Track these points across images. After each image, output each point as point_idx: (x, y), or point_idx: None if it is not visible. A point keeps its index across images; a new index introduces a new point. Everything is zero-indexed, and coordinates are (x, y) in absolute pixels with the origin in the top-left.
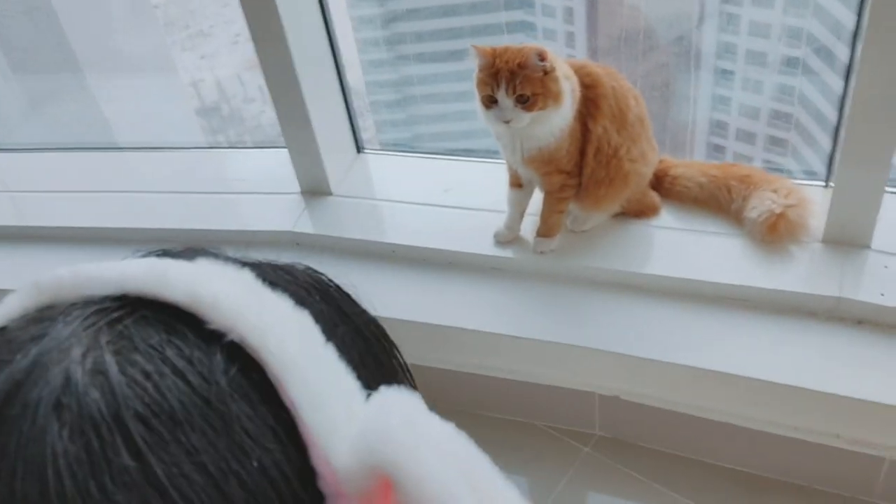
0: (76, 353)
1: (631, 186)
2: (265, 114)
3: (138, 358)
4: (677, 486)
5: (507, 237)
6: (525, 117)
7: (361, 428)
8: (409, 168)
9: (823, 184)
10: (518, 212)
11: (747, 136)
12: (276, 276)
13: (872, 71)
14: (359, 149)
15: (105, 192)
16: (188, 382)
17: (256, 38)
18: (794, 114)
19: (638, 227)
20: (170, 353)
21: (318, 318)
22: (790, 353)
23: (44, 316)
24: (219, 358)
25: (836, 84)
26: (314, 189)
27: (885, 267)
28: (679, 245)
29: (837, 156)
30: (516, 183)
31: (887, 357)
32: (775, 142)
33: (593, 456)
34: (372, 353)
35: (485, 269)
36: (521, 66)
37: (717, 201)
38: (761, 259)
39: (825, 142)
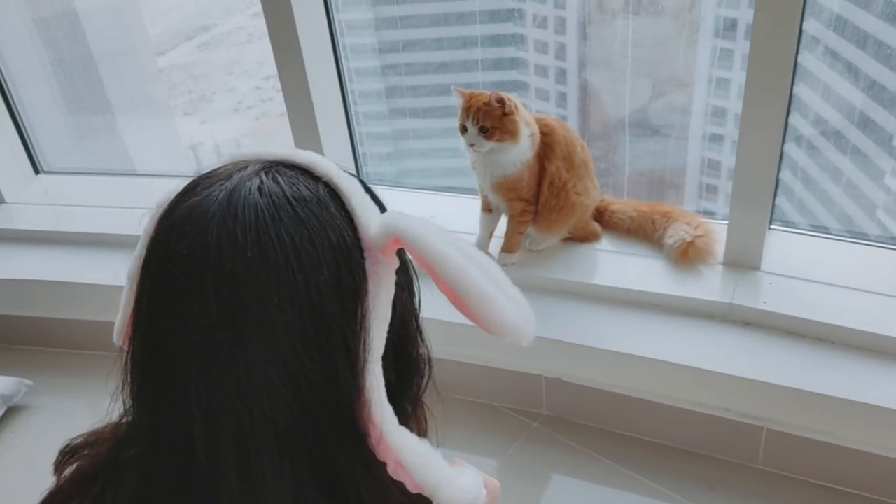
0: (255, 178)
1: (577, 214)
2: None
3: (283, 179)
4: (607, 454)
5: None
6: (485, 144)
7: (383, 216)
8: (395, 200)
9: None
10: (487, 232)
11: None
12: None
13: (751, 136)
14: None
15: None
16: (309, 189)
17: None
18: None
19: (583, 249)
20: (300, 179)
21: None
22: (693, 343)
23: (235, 167)
24: (320, 184)
25: None
26: None
27: (770, 284)
28: (614, 263)
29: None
30: (487, 208)
31: (767, 348)
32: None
33: (540, 430)
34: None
35: None
36: (484, 104)
37: (645, 231)
38: (675, 275)
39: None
